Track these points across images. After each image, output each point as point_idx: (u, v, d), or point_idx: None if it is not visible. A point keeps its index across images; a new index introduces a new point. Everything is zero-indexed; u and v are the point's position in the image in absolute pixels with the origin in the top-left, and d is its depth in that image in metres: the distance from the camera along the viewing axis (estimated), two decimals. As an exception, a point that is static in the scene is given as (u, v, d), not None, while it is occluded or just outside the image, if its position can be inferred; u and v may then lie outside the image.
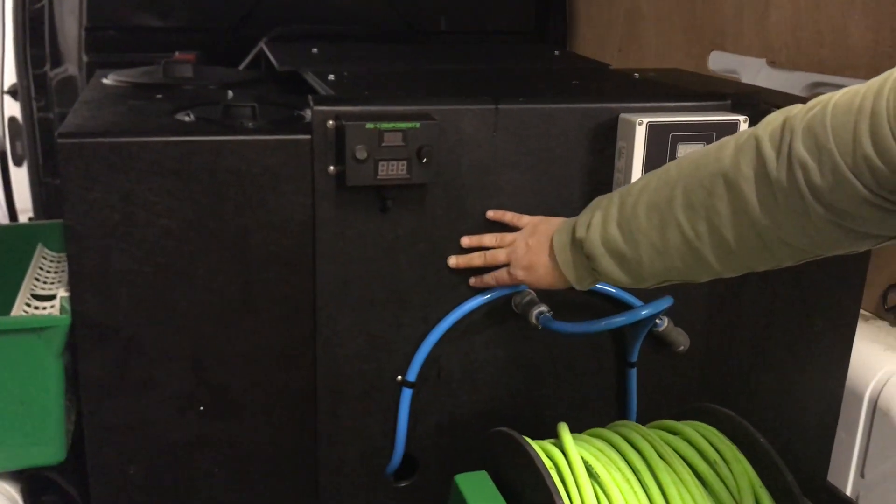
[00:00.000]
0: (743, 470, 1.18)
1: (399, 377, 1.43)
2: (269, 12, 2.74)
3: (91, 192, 1.23)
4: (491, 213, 1.39)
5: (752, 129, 1.03)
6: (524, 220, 1.37)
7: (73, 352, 1.32)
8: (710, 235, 1.05)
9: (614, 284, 1.23)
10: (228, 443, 1.40)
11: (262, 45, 2.03)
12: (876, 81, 0.90)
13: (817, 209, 0.94)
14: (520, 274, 1.33)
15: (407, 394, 1.43)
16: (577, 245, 1.21)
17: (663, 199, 1.09)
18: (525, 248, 1.31)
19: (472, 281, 1.41)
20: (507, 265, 1.35)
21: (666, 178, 1.11)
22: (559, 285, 1.29)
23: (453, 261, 1.40)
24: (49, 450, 1.37)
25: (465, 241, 1.39)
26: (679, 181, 1.08)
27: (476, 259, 1.38)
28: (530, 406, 1.52)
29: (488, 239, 1.38)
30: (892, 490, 1.73)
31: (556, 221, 1.30)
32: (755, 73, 2.29)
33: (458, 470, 1.25)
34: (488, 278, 1.39)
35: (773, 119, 1.00)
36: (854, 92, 0.92)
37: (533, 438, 1.25)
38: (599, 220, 1.17)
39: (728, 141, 1.05)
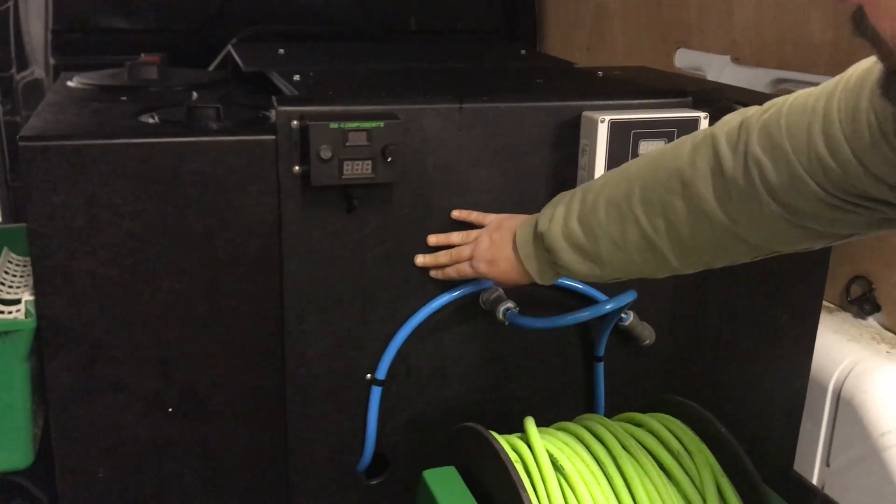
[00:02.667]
0: (705, 460, 1.20)
1: (368, 375, 1.44)
2: (238, 14, 2.74)
3: (54, 195, 1.23)
4: (456, 213, 1.40)
5: (710, 128, 1.05)
6: (489, 217, 1.38)
7: (39, 356, 1.32)
8: (668, 231, 1.07)
9: (575, 278, 1.25)
10: (198, 444, 1.40)
11: (229, 46, 2.03)
12: (830, 84, 0.93)
13: (773, 207, 0.96)
14: (482, 267, 1.33)
15: (376, 392, 1.44)
16: (539, 238, 1.23)
17: (622, 195, 1.11)
18: (489, 242, 1.32)
19: (433, 273, 1.41)
20: (469, 260, 1.36)
21: (626, 174, 1.13)
22: (521, 280, 1.30)
23: (420, 259, 1.40)
24: (16, 455, 1.36)
25: (432, 239, 1.40)
26: (638, 178, 1.10)
27: (442, 257, 1.39)
28: (499, 401, 1.53)
29: (455, 237, 1.39)
30: (857, 478, 1.77)
31: (521, 218, 1.32)
32: (720, 70, 2.32)
33: (428, 466, 1.26)
34: (450, 270, 1.39)
35: (730, 119, 1.02)
36: (808, 93, 0.95)
37: (502, 433, 1.26)
38: (561, 215, 1.19)
39: (685, 140, 1.08)
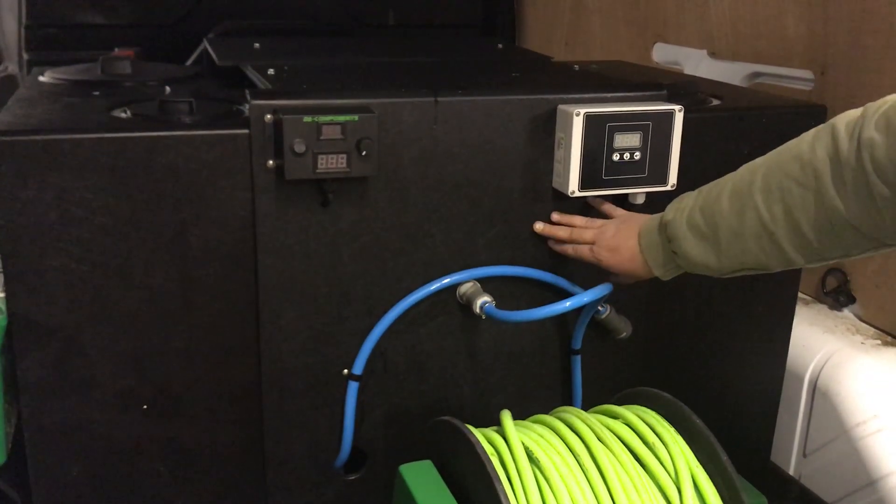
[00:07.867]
0: (680, 451, 1.21)
1: (345, 371, 1.43)
2: (214, 9, 2.72)
3: (25, 191, 1.21)
4: (591, 200, 1.45)
5: (833, 119, 1.10)
6: (619, 211, 1.43)
7: (10, 353, 1.30)
8: (785, 218, 1.11)
9: (692, 270, 1.28)
10: (173, 441, 1.39)
11: (205, 41, 2.01)
12: None
13: (881, 189, 1.00)
14: (603, 254, 1.37)
15: (353, 387, 1.43)
16: (663, 228, 1.27)
17: (745, 184, 1.16)
18: (614, 231, 1.36)
19: (550, 243, 1.46)
20: (591, 244, 1.39)
21: (751, 166, 1.19)
22: (638, 271, 1.34)
23: (539, 226, 1.45)
24: (-11, 454, 1.35)
25: (555, 216, 1.45)
26: (761, 167, 1.16)
27: (561, 231, 1.44)
28: (476, 395, 1.53)
29: (578, 219, 1.44)
30: (834, 467, 1.78)
31: (649, 216, 1.35)
32: (697, 64, 2.33)
33: (406, 461, 1.26)
34: (568, 248, 1.43)
35: (853, 111, 1.07)
36: None
37: (479, 427, 1.26)
38: (687, 206, 1.25)
39: (809, 131, 1.13)
